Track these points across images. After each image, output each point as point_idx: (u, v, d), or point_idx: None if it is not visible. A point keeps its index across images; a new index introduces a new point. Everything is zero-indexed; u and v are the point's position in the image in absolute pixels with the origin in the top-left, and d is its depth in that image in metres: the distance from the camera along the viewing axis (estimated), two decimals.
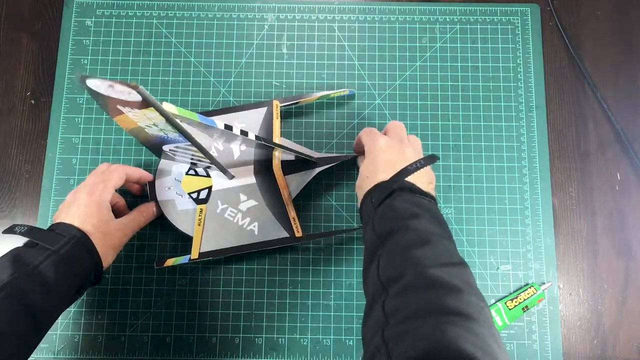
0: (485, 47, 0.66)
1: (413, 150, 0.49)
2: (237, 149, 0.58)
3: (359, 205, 0.48)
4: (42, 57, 0.66)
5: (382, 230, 0.42)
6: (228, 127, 0.46)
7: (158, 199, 0.57)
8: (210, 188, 0.57)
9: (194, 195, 0.57)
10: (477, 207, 0.61)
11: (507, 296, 0.58)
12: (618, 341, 0.59)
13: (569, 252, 0.61)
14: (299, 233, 0.55)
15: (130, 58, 0.65)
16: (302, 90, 0.64)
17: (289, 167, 0.57)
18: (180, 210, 0.57)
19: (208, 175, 0.58)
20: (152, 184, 0.58)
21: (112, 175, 0.52)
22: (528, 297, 0.57)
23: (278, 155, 0.57)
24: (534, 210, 0.61)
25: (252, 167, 0.57)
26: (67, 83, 0.64)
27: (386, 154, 0.48)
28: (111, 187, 0.51)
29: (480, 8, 0.67)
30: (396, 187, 0.44)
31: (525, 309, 0.57)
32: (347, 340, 0.58)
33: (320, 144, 0.63)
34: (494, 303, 0.58)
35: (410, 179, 0.46)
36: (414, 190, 0.45)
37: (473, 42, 0.66)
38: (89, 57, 0.65)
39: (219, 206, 0.56)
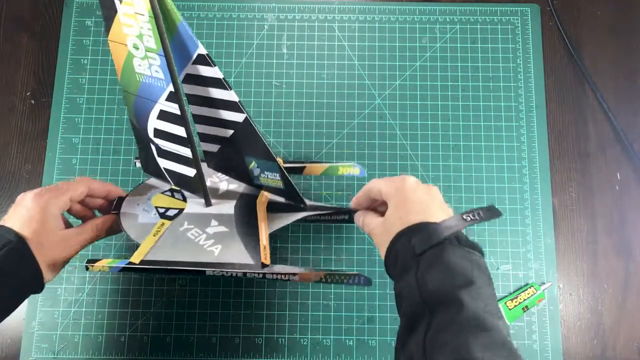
0: (485, 47, 0.66)
1: (437, 192, 0.46)
2: (225, 186, 0.55)
3: (383, 252, 0.43)
4: (42, 57, 0.66)
5: (430, 293, 0.37)
6: (209, 58, 0.41)
7: (121, 211, 0.51)
8: (181, 210, 0.52)
9: (161, 210, 0.52)
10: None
11: (507, 296, 0.58)
12: (618, 341, 0.59)
13: (569, 252, 0.61)
14: (266, 261, 0.49)
15: None
16: (302, 90, 0.64)
17: (274, 206, 0.54)
18: (139, 223, 0.51)
19: (184, 200, 0.53)
20: (122, 198, 0.53)
21: (72, 186, 0.47)
22: (528, 297, 0.57)
23: (266, 194, 0.54)
24: (534, 210, 0.61)
25: (234, 201, 0.54)
26: (67, 83, 0.64)
27: (417, 193, 0.44)
28: (66, 197, 0.46)
29: (480, 8, 0.67)
30: (445, 237, 0.39)
31: (525, 309, 0.57)
32: (347, 340, 0.58)
33: (320, 144, 0.63)
34: None
35: (428, 211, 0.42)
36: (461, 240, 0.40)
37: (473, 42, 0.66)
38: (89, 57, 0.65)
39: (183, 225, 0.51)
